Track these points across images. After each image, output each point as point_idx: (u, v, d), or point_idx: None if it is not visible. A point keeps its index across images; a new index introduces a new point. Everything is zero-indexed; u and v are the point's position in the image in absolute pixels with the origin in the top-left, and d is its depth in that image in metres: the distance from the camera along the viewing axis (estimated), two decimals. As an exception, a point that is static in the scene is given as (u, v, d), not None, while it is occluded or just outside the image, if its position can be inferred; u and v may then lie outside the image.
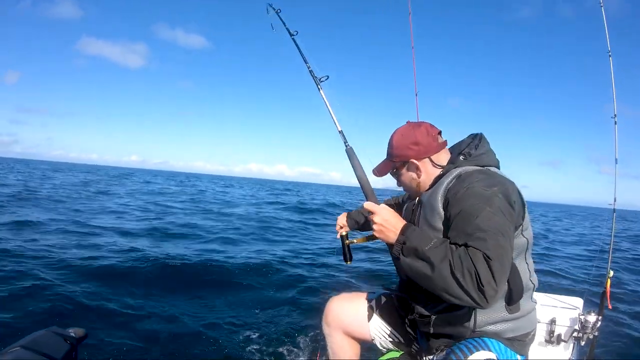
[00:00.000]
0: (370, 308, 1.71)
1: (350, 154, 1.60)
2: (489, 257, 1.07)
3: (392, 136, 1.50)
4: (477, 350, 1.27)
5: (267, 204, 17.94)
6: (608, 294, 2.23)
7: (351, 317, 1.72)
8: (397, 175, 1.52)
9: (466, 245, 1.11)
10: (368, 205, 1.32)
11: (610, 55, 2.53)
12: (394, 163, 1.47)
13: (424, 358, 1.48)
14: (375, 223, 1.27)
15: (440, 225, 1.28)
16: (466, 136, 1.57)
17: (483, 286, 1.05)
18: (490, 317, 1.32)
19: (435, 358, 1.43)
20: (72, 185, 19.79)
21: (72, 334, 1.33)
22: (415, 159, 1.42)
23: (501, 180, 1.29)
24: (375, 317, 1.69)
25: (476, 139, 1.48)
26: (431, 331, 1.39)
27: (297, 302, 4.18)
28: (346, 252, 1.64)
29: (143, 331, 3.31)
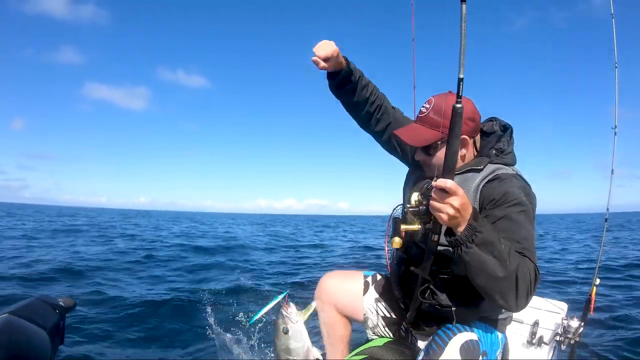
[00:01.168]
0: (367, 283, 1.70)
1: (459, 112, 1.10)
2: (537, 272, 1.17)
3: (439, 103, 1.35)
4: (460, 331, 1.29)
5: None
6: (592, 302, 2.26)
7: (345, 292, 1.69)
8: (434, 148, 1.37)
9: (522, 254, 1.16)
10: (446, 183, 1.05)
11: (616, 67, 2.52)
12: (443, 135, 1.27)
13: (411, 339, 1.52)
14: (453, 207, 1.06)
15: None
16: (485, 119, 1.54)
17: (527, 297, 1.14)
18: (492, 306, 1.38)
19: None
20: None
21: (61, 304, 1.34)
22: (467, 136, 1.38)
23: (531, 191, 1.35)
24: (372, 291, 1.68)
25: (507, 134, 1.47)
26: (437, 315, 1.38)
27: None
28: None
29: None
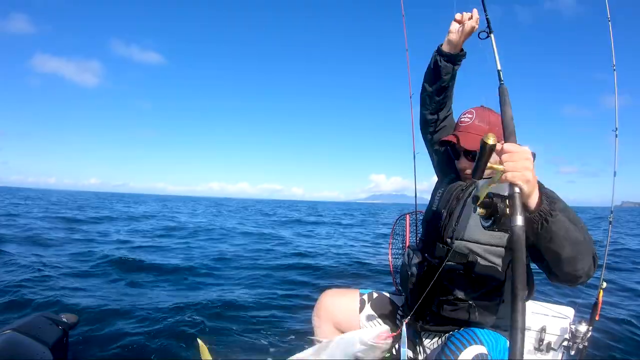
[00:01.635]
0: (362, 301, 1.77)
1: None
2: None
3: (482, 113, 1.49)
4: (470, 344, 1.30)
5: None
6: (599, 306, 2.23)
7: (342, 309, 1.76)
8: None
9: None
10: (514, 147, 0.98)
11: (614, 70, 2.53)
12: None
13: (417, 348, 1.57)
14: (528, 169, 0.96)
15: None
16: None
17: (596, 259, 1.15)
18: (506, 311, 1.40)
19: (428, 348, 1.53)
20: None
21: (64, 320, 1.33)
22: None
23: None
24: (367, 308, 1.75)
25: None
26: (455, 317, 1.42)
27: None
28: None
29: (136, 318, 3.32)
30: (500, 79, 1.22)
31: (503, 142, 1.03)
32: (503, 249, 1.40)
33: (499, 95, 1.17)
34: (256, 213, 26.09)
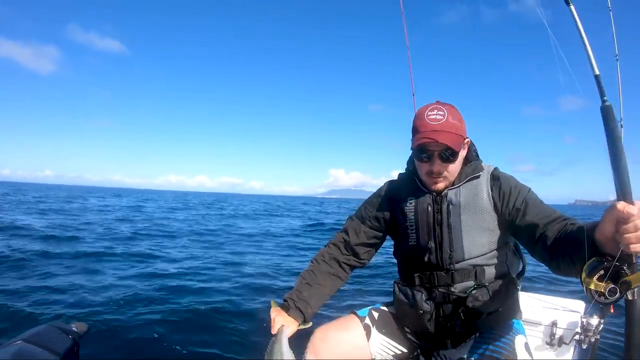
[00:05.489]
0: (367, 326, 1.57)
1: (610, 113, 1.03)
2: None
3: (451, 110, 1.37)
4: (515, 336, 1.41)
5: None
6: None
7: (346, 344, 1.52)
8: (458, 153, 1.37)
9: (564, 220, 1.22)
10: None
11: (617, 59, 2.50)
12: (462, 138, 1.38)
13: (440, 354, 1.52)
14: None
15: (491, 224, 1.38)
16: None
17: None
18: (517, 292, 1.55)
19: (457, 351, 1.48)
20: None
21: (74, 329, 1.33)
22: (467, 140, 1.46)
23: None
24: (375, 332, 1.56)
25: (471, 142, 1.53)
26: (485, 324, 1.43)
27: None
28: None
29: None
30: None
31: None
32: (499, 247, 1.42)
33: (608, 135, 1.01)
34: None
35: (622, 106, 2.51)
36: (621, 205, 0.83)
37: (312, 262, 1.64)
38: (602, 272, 0.90)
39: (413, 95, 2.59)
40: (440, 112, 1.35)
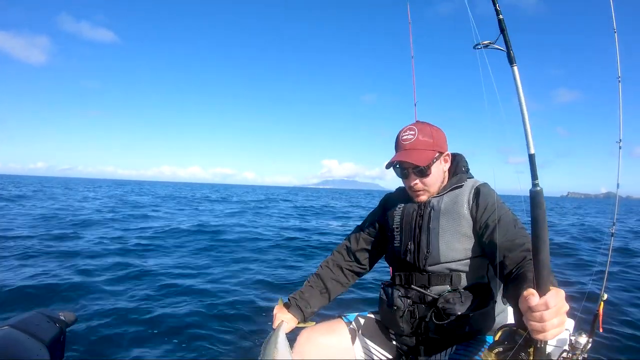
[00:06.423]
0: (352, 330, 1.64)
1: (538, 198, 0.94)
2: None
3: (423, 128, 1.52)
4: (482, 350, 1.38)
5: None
6: (600, 318, 2.21)
7: (331, 348, 1.58)
8: (429, 168, 1.49)
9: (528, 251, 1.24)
10: (553, 299, 0.88)
11: (619, 81, 2.52)
12: (434, 153, 1.49)
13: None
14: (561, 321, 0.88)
15: (468, 231, 1.44)
16: None
17: None
18: (499, 306, 1.54)
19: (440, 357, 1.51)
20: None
21: (62, 318, 1.33)
22: (447, 153, 1.56)
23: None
24: (360, 337, 1.64)
25: (463, 158, 1.64)
26: (458, 332, 1.44)
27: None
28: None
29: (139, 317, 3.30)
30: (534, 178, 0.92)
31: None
32: (477, 256, 1.46)
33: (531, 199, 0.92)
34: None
35: (622, 126, 2.53)
36: (531, 297, 0.89)
37: (319, 267, 1.79)
38: (501, 349, 0.97)
39: (415, 105, 2.60)
40: (411, 132, 1.52)
